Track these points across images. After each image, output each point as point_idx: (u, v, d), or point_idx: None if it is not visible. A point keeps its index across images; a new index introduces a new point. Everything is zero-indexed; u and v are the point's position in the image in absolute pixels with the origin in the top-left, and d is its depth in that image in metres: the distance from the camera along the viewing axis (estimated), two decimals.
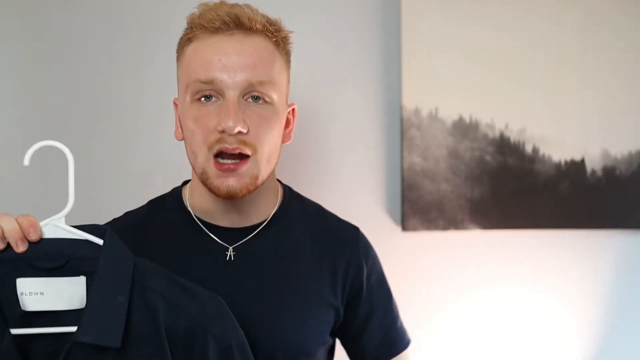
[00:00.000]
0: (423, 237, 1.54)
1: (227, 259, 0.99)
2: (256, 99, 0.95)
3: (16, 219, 0.82)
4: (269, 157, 0.97)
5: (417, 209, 1.52)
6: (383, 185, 1.56)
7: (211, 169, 0.94)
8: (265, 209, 1.04)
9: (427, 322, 1.55)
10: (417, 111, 1.52)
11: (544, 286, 1.58)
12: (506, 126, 1.54)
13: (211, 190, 0.96)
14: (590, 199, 1.54)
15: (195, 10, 0.98)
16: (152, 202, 1.10)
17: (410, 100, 1.51)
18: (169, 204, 1.07)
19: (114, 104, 1.53)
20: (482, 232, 1.54)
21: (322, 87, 1.55)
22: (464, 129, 1.53)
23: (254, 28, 0.95)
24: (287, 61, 1.02)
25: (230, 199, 0.96)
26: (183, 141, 1.01)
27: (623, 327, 1.59)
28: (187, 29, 0.99)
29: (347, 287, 1.05)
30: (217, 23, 0.93)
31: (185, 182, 1.10)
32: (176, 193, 1.08)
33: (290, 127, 1.05)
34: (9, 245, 0.81)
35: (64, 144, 1.59)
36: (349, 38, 1.54)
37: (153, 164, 1.54)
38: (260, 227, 1.02)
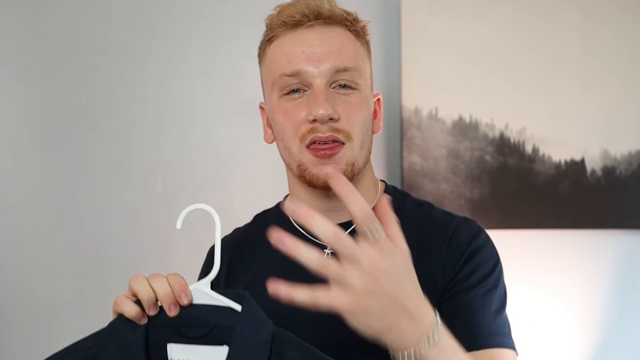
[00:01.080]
0: None
1: (326, 256, 0.98)
2: (343, 86, 0.95)
3: (167, 281, 0.80)
4: (362, 143, 0.96)
5: None
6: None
7: (307, 158, 0.93)
8: None
9: None
10: (417, 111, 1.52)
11: (544, 286, 1.58)
12: (506, 126, 1.54)
13: (310, 182, 0.95)
14: (590, 199, 1.54)
15: (273, 11, 0.98)
16: (257, 216, 1.12)
17: (410, 100, 1.51)
18: (272, 215, 1.08)
19: (114, 104, 1.53)
20: None
21: None
22: (464, 129, 1.53)
23: (333, 18, 0.95)
24: (368, 51, 1.02)
25: (329, 189, 0.91)
26: (274, 143, 1.00)
27: (623, 327, 1.59)
28: (266, 30, 0.99)
29: (448, 272, 0.97)
30: (297, 16, 0.94)
31: (286, 196, 1.10)
32: (279, 205, 1.09)
33: (378, 117, 1.05)
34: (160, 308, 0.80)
35: (64, 144, 1.60)
36: None
37: (153, 164, 1.54)
38: None
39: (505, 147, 1.54)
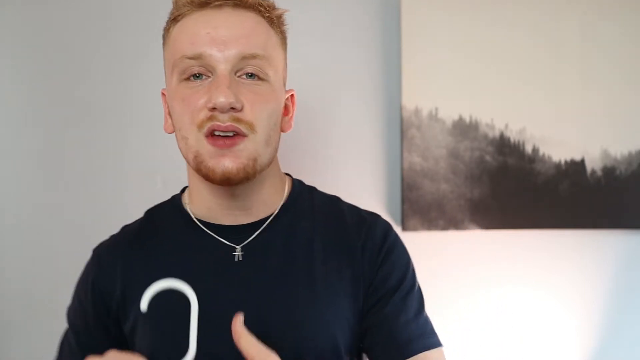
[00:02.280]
0: (423, 237, 1.54)
1: (236, 259, 0.92)
2: (250, 76, 0.87)
3: None
4: (268, 139, 0.88)
5: (417, 209, 1.52)
6: (383, 185, 1.56)
7: (204, 148, 0.85)
8: (271, 202, 0.96)
9: None
10: (417, 111, 1.52)
11: (544, 286, 1.58)
12: (506, 126, 1.54)
13: (206, 175, 0.87)
14: (590, 199, 1.54)
15: None
16: (149, 212, 1.04)
17: (410, 100, 1.51)
18: (168, 211, 1.01)
19: (114, 103, 1.53)
20: (482, 232, 1.54)
21: (322, 87, 1.55)
22: (464, 129, 1.53)
23: (245, 1, 0.88)
24: (283, 41, 0.95)
25: (227, 184, 0.87)
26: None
27: (623, 327, 1.59)
28: (172, 10, 0.92)
29: (366, 270, 0.95)
30: None
31: (184, 189, 1.04)
32: (175, 199, 1.02)
33: (290, 115, 0.98)
34: None
35: (64, 145, 1.60)
36: (349, 38, 1.54)
37: (153, 164, 1.54)
38: (268, 222, 0.95)
39: (505, 147, 1.54)
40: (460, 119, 1.53)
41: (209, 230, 0.94)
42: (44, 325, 1.54)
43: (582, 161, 1.54)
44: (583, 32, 1.54)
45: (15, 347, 1.54)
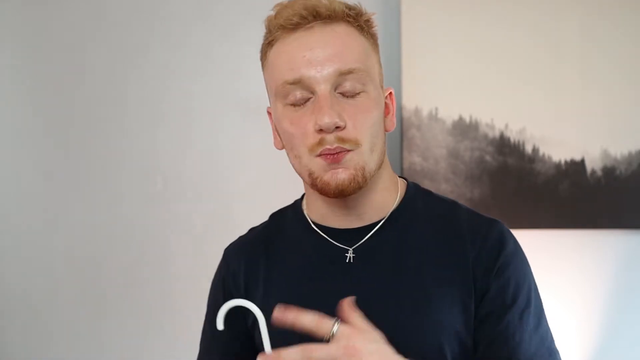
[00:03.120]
0: None
1: (347, 261, 0.95)
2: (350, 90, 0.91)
3: None
4: (372, 147, 0.92)
5: None
6: None
7: (316, 165, 0.90)
8: (382, 206, 0.98)
9: None
10: (417, 111, 1.52)
11: (544, 286, 1.57)
12: (506, 126, 1.54)
13: (321, 190, 0.91)
14: (590, 199, 1.54)
15: (272, 12, 0.94)
16: (273, 216, 1.08)
17: (410, 100, 1.51)
18: (290, 215, 1.05)
19: (114, 103, 1.53)
20: None
21: None
22: (464, 129, 1.53)
23: (333, 16, 0.91)
24: (375, 44, 0.99)
25: (341, 195, 0.91)
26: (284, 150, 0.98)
27: (623, 327, 1.59)
28: (265, 33, 0.95)
29: (480, 275, 0.94)
30: (295, 19, 0.89)
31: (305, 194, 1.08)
32: (296, 204, 1.06)
33: (391, 113, 1.00)
34: None
35: (65, 145, 1.60)
36: None
37: (153, 164, 1.54)
38: (379, 225, 0.97)
39: (505, 147, 1.53)
40: (460, 119, 1.53)
41: (323, 232, 0.98)
42: (44, 325, 1.54)
43: (582, 161, 1.54)
44: (583, 33, 1.53)
45: (15, 347, 1.54)
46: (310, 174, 0.91)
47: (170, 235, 1.57)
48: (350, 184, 0.90)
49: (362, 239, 0.96)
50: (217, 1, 1.57)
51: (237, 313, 0.96)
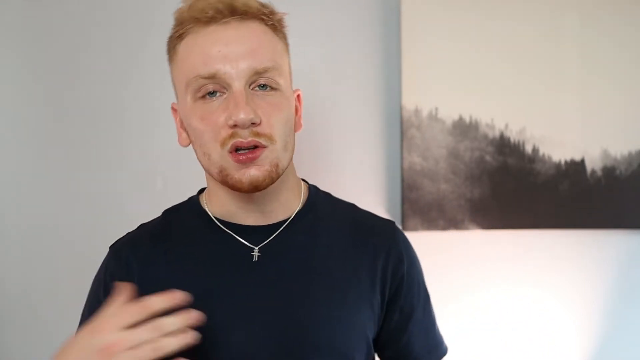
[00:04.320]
0: (423, 237, 1.54)
1: (254, 260, 0.94)
2: (263, 87, 0.90)
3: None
4: (285, 144, 0.92)
5: (417, 209, 1.52)
6: (383, 185, 1.56)
7: (229, 163, 0.89)
8: (289, 205, 0.99)
9: None
10: (417, 111, 1.52)
11: (544, 286, 1.58)
12: (506, 126, 1.54)
13: (233, 186, 0.90)
14: (590, 199, 1.54)
15: (181, 5, 0.93)
16: (167, 212, 1.06)
17: (410, 100, 1.51)
18: (187, 212, 1.02)
19: (114, 103, 1.53)
20: (482, 232, 1.54)
21: (322, 87, 1.55)
22: (464, 129, 1.53)
23: (249, 13, 0.90)
24: (286, 44, 0.97)
25: (255, 191, 0.90)
26: (191, 146, 0.97)
27: (623, 327, 1.59)
28: (175, 25, 0.94)
29: (388, 282, 0.99)
30: (210, 12, 0.88)
31: (201, 191, 1.06)
32: (193, 200, 1.04)
33: (299, 114, 1.01)
34: None
35: (65, 145, 1.60)
36: (349, 38, 1.54)
37: (153, 164, 1.54)
38: (286, 224, 0.97)
39: (505, 147, 1.54)
40: (460, 119, 1.53)
41: (228, 229, 0.96)
42: (44, 325, 1.54)
43: (582, 161, 1.54)
44: (584, 33, 1.53)
45: (15, 347, 1.54)
46: (221, 171, 0.90)
47: None
48: (265, 180, 0.89)
49: (268, 237, 0.96)
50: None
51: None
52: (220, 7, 0.88)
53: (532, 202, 1.54)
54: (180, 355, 0.89)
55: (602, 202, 1.54)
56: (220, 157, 0.89)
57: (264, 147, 0.89)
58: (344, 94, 1.55)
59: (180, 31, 0.92)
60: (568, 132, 1.54)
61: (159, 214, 1.58)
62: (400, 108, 1.52)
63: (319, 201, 1.03)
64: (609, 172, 1.54)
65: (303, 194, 1.02)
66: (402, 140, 1.52)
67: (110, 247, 1.02)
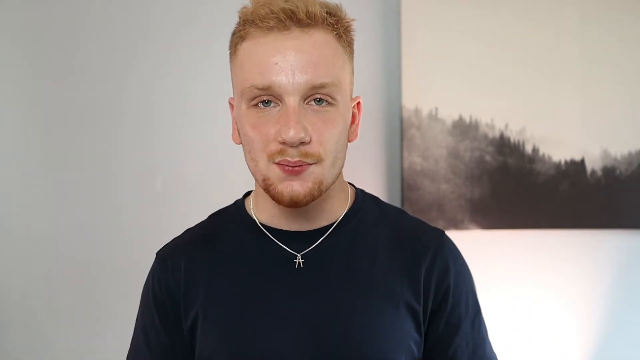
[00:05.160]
0: None
1: (297, 266, 0.93)
2: (319, 101, 0.87)
3: None
4: (334, 161, 0.90)
5: (417, 209, 1.52)
6: (383, 185, 1.56)
7: (273, 173, 0.87)
8: (333, 211, 0.97)
9: None
10: (417, 111, 1.52)
11: (544, 286, 1.58)
12: (506, 126, 1.54)
13: (274, 197, 0.89)
14: (590, 199, 1.54)
15: (247, 5, 0.89)
16: (214, 216, 1.05)
17: (410, 100, 1.51)
18: (233, 216, 1.01)
19: (114, 103, 1.53)
20: (482, 232, 1.54)
21: None
22: (464, 129, 1.53)
23: (312, 23, 0.86)
24: (350, 52, 0.94)
25: (294, 206, 0.89)
26: (241, 146, 0.95)
27: (623, 326, 1.59)
28: (239, 23, 0.91)
29: (432, 290, 0.96)
30: (271, 22, 0.85)
31: (247, 194, 1.05)
32: (239, 204, 1.03)
33: (356, 123, 0.98)
34: None
35: (65, 145, 1.59)
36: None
37: (153, 163, 1.53)
38: (330, 231, 0.96)
39: (505, 147, 1.53)
40: (460, 119, 1.53)
41: (272, 235, 0.96)
42: (44, 325, 1.54)
43: (582, 161, 1.54)
44: (583, 32, 1.53)
45: (14, 347, 1.54)
46: (265, 180, 0.89)
47: (171, 237, 1.57)
48: (305, 197, 0.88)
49: (312, 244, 0.95)
50: (213, 1, 1.56)
51: (177, 318, 0.94)
52: (282, 17, 0.85)
53: (532, 202, 1.54)
54: None
55: (602, 202, 1.54)
56: (267, 167, 0.88)
57: (310, 164, 0.87)
58: None
59: (242, 32, 0.89)
60: (568, 132, 1.54)
61: (159, 214, 1.59)
62: (400, 108, 1.52)
63: (365, 206, 1.01)
64: (609, 172, 1.54)
65: (350, 198, 1.01)
66: (402, 140, 1.52)
67: (157, 254, 1.02)
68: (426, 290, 0.96)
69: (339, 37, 0.90)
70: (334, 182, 0.92)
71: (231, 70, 0.94)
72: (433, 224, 1.50)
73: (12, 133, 1.53)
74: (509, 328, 1.57)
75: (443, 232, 1.02)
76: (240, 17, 0.90)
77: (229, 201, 1.07)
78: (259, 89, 0.86)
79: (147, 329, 0.98)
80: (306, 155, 0.86)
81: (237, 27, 0.91)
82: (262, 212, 0.97)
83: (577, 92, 1.54)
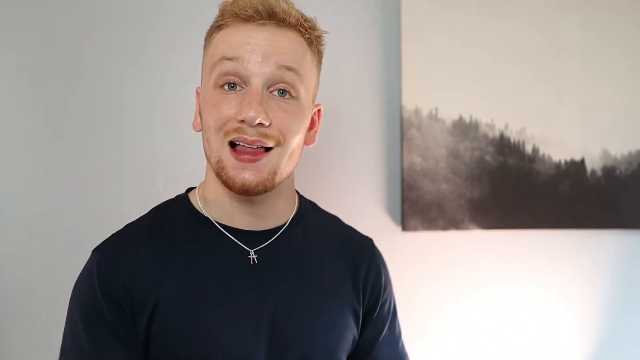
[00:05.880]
0: (423, 237, 1.54)
1: (252, 262, 0.95)
2: (282, 93, 0.90)
3: None
4: (291, 154, 0.92)
5: (417, 209, 1.52)
6: (383, 185, 1.56)
7: (227, 158, 0.89)
8: (283, 212, 1.00)
9: (427, 322, 1.55)
10: (417, 111, 1.52)
11: (544, 286, 1.58)
12: (506, 126, 1.54)
13: (225, 182, 0.90)
14: (590, 199, 1.54)
15: None
16: (157, 210, 1.03)
17: (410, 100, 1.51)
18: (178, 210, 1.01)
19: (114, 103, 1.53)
20: (482, 232, 1.54)
21: (321, 87, 1.54)
22: (464, 129, 1.53)
23: (287, 21, 0.91)
24: (319, 61, 0.98)
25: (245, 194, 0.90)
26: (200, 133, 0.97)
27: (623, 327, 1.59)
28: (217, 16, 0.95)
29: (367, 293, 1.03)
30: (249, 11, 0.89)
31: (189, 190, 1.05)
32: (183, 199, 1.03)
33: (315, 129, 1.01)
34: None
35: (64, 143, 1.60)
36: (349, 38, 1.54)
37: (153, 162, 1.53)
38: (282, 230, 0.99)
39: (505, 147, 1.54)
40: (460, 119, 1.53)
41: (226, 231, 0.96)
42: (44, 325, 1.54)
43: (582, 161, 1.54)
44: (584, 32, 1.54)
45: (14, 347, 1.54)
46: (218, 162, 0.90)
47: None
48: (258, 186, 0.89)
49: (263, 243, 0.97)
50: (214, 0, 1.56)
51: (132, 313, 0.89)
52: (260, 8, 0.89)
53: (532, 202, 1.54)
54: (178, 355, 0.89)
55: (602, 202, 1.54)
56: (221, 145, 0.89)
57: (267, 151, 0.89)
58: (344, 94, 1.55)
59: (220, 22, 0.93)
60: (568, 132, 1.54)
61: None
62: (400, 108, 1.52)
63: (308, 210, 1.05)
64: (609, 172, 1.54)
65: (297, 202, 1.04)
66: (402, 140, 1.52)
67: (97, 249, 0.97)
68: (364, 293, 1.03)
69: (310, 42, 0.94)
70: (287, 178, 0.95)
71: (203, 59, 0.97)
72: (433, 224, 1.52)
73: (11, 132, 1.53)
74: (509, 328, 1.57)
75: (372, 241, 1.10)
76: (220, 11, 0.94)
77: None
78: (228, 59, 0.88)
79: (92, 324, 0.90)
80: (265, 136, 0.88)
81: (214, 21, 0.95)
82: (213, 207, 0.97)
83: (577, 92, 1.54)
